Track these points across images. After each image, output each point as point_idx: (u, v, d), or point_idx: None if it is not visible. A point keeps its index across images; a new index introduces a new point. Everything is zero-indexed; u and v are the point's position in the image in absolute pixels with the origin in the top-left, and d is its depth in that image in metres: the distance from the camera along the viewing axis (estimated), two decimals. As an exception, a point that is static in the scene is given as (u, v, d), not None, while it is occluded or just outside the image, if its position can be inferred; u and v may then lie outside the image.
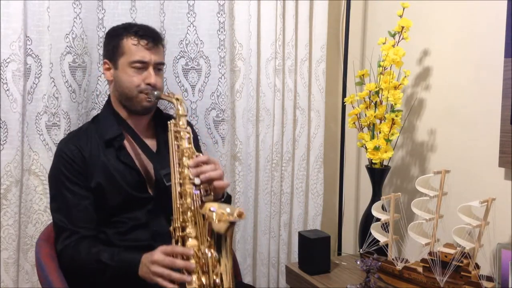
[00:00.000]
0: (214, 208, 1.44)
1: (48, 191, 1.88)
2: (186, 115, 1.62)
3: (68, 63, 1.88)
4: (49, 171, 1.70)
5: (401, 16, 1.95)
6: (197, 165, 1.51)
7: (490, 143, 1.75)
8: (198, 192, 1.50)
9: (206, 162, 1.52)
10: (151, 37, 1.67)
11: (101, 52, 1.95)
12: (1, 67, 1.78)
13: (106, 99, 1.97)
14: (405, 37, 1.94)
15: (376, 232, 1.86)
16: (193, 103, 2.11)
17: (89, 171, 1.62)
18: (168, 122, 1.59)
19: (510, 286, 1.57)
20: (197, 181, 1.49)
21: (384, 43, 1.99)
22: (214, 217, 1.40)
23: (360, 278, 1.83)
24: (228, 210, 1.44)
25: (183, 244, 1.49)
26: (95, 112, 1.97)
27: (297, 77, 2.29)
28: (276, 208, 2.29)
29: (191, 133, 1.59)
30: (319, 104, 2.32)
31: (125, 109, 1.71)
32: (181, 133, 1.57)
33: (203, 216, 1.43)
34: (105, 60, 1.72)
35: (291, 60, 2.24)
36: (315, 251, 1.91)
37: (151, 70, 1.66)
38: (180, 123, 1.59)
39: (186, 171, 1.51)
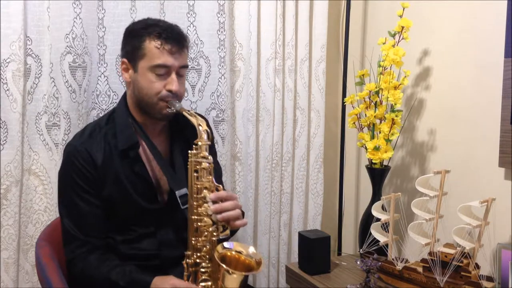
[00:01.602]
0: (231, 245, 1.44)
1: (48, 191, 1.89)
2: (209, 144, 1.51)
3: (68, 63, 1.88)
4: (58, 171, 1.63)
5: (401, 16, 1.95)
6: (216, 201, 1.46)
7: (490, 143, 1.75)
8: (216, 228, 1.47)
9: (225, 198, 1.47)
10: (176, 40, 1.54)
11: (101, 52, 1.96)
12: (1, 67, 1.78)
13: (105, 99, 1.98)
14: (405, 37, 1.94)
15: (376, 232, 1.86)
16: (193, 103, 2.11)
17: (100, 180, 1.55)
18: (189, 152, 1.50)
19: (510, 286, 1.57)
20: (214, 217, 1.45)
21: (384, 43, 1.99)
22: (228, 268, 1.39)
23: (360, 278, 1.83)
24: (250, 251, 1.44)
25: (195, 279, 1.47)
26: (95, 112, 1.97)
27: (297, 77, 2.29)
28: (276, 208, 2.29)
29: (212, 162, 1.50)
30: (319, 104, 2.32)
31: (142, 113, 1.60)
32: (202, 164, 1.48)
33: (218, 264, 1.41)
34: (124, 60, 1.59)
35: (291, 60, 2.24)
36: (315, 251, 1.91)
37: (173, 75, 1.54)
38: (201, 154, 1.49)
39: (205, 205, 1.47)
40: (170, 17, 2.03)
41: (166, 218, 1.62)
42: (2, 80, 1.79)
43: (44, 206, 1.90)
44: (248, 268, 1.44)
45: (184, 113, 1.53)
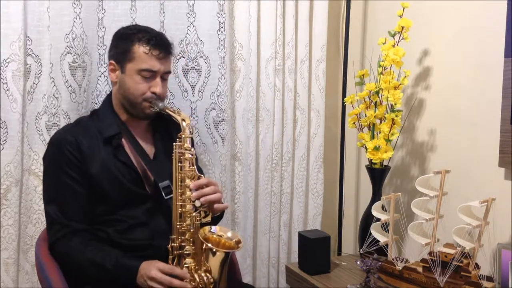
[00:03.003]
0: (214, 229, 1.57)
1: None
2: (191, 137, 1.63)
3: (68, 63, 1.88)
4: (43, 157, 1.69)
5: (401, 16, 1.95)
6: (197, 188, 1.55)
7: (490, 143, 1.75)
8: (198, 213, 1.56)
9: (206, 185, 1.57)
10: (164, 47, 1.65)
11: (101, 52, 1.96)
12: (1, 67, 1.78)
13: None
14: (405, 37, 1.94)
15: (376, 232, 1.86)
16: (193, 103, 2.11)
17: (86, 165, 1.60)
18: (174, 144, 1.60)
19: (510, 286, 1.57)
20: (197, 203, 1.55)
21: (384, 43, 1.99)
22: (212, 246, 1.49)
23: (360, 278, 1.83)
24: (229, 234, 1.57)
25: (179, 262, 1.55)
26: (95, 112, 1.98)
27: (297, 77, 2.29)
28: (276, 208, 2.29)
29: (194, 154, 1.61)
30: (319, 104, 2.32)
31: (126, 112, 1.69)
32: (185, 155, 1.59)
33: (202, 244, 1.51)
34: (112, 61, 1.69)
35: (291, 60, 2.24)
36: (315, 251, 1.91)
37: (158, 79, 1.65)
38: (185, 145, 1.60)
39: (187, 192, 1.56)
40: (170, 17, 2.03)
41: (155, 207, 1.67)
42: (2, 80, 1.79)
43: (44, 206, 1.90)
44: (229, 248, 1.55)
45: (168, 111, 1.65)
